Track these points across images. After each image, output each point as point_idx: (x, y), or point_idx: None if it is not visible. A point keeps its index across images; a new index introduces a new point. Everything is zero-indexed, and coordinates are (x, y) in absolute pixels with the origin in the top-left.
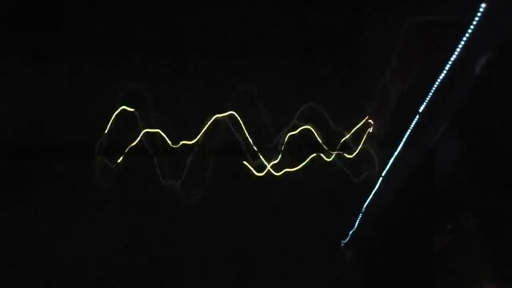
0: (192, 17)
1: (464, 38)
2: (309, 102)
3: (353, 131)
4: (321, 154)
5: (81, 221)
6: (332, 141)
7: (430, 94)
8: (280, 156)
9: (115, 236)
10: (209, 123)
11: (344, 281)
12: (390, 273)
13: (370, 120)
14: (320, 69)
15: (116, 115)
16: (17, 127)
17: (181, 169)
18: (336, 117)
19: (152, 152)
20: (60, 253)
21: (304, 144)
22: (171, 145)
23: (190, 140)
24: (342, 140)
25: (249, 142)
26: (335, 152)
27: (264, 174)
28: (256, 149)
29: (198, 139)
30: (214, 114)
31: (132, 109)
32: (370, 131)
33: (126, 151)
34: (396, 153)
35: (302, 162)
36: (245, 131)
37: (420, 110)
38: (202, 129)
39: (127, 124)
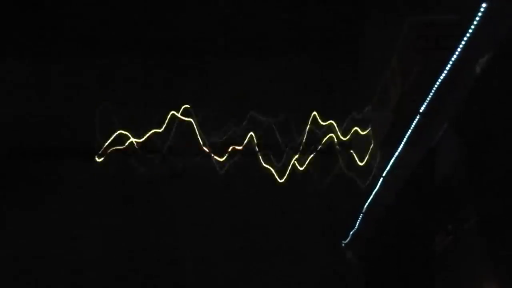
0: (192, 17)
1: (465, 38)
2: (309, 102)
3: (353, 131)
4: (322, 154)
5: (81, 222)
6: (332, 142)
7: (431, 94)
8: (283, 157)
9: (115, 236)
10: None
11: (344, 281)
12: (390, 274)
13: (370, 120)
14: (319, 70)
15: (117, 115)
16: (17, 127)
17: (187, 168)
18: (336, 117)
19: (152, 153)
20: (60, 253)
21: (305, 144)
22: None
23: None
24: (343, 140)
25: (255, 143)
26: (336, 153)
27: (268, 175)
28: (258, 150)
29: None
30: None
31: (132, 110)
32: (371, 131)
33: (125, 151)
34: (396, 153)
35: (303, 162)
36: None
37: (421, 110)
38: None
39: (128, 124)
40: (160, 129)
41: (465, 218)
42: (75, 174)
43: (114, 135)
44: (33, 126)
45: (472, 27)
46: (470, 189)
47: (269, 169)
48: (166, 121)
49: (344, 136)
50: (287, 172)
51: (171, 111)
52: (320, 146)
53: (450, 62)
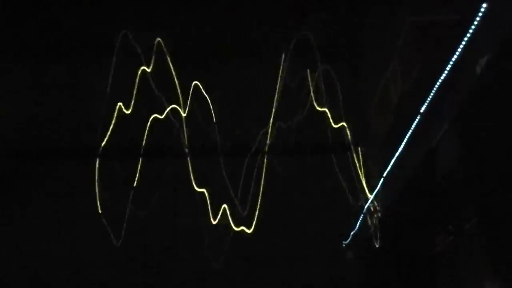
0: (193, 17)
1: (465, 38)
2: (309, 102)
3: (353, 131)
4: (322, 155)
5: (81, 222)
6: (332, 142)
7: (431, 94)
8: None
9: (115, 236)
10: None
11: (345, 282)
12: (391, 274)
13: (370, 121)
14: (319, 70)
15: (117, 115)
16: (17, 127)
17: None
18: (336, 117)
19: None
20: (60, 253)
21: (306, 144)
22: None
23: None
24: (342, 140)
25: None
26: (336, 153)
27: (268, 174)
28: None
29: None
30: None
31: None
32: (370, 131)
33: (126, 151)
34: (397, 153)
35: (303, 163)
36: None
37: (421, 111)
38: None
39: (128, 125)
40: (161, 129)
41: (465, 219)
42: (75, 174)
43: (114, 135)
44: (33, 126)
45: (472, 27)
46: (470, 189)
47: (269, 169)
48: (166, 121)
49: (345, 136)
50: (287, 172)
51: (173, 111)
52: (320, 146)
53: (450, 62)
